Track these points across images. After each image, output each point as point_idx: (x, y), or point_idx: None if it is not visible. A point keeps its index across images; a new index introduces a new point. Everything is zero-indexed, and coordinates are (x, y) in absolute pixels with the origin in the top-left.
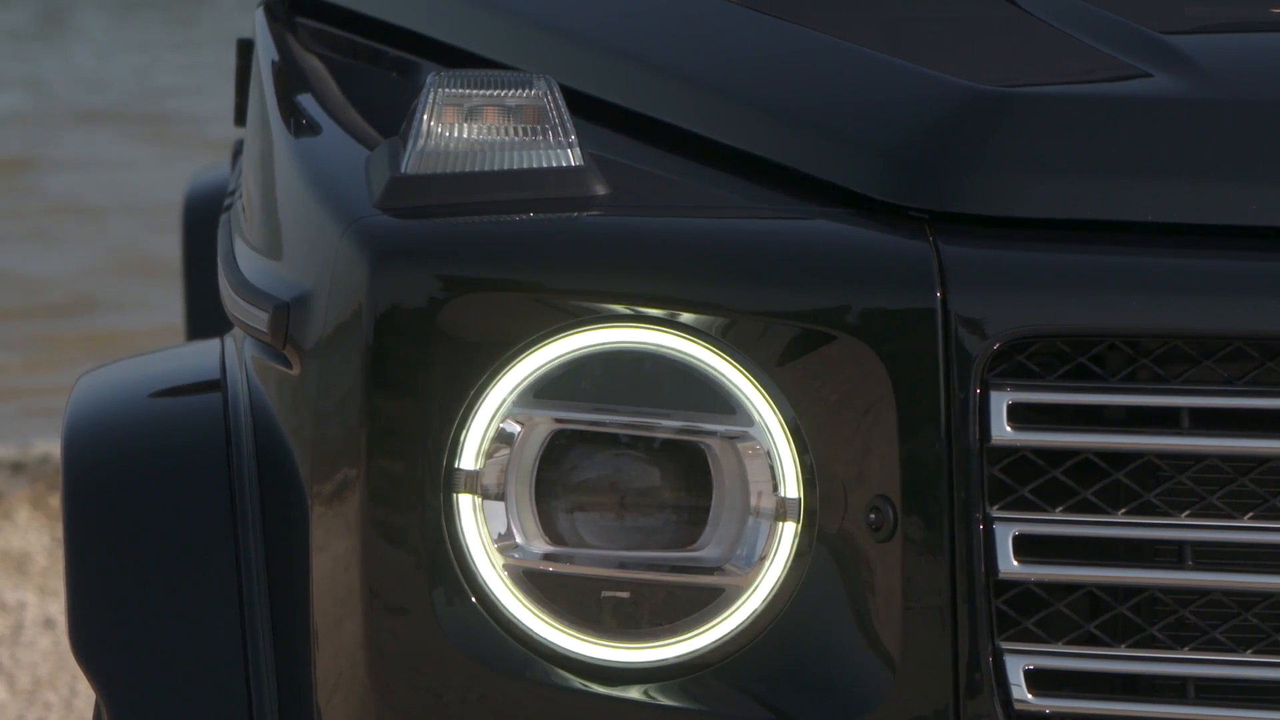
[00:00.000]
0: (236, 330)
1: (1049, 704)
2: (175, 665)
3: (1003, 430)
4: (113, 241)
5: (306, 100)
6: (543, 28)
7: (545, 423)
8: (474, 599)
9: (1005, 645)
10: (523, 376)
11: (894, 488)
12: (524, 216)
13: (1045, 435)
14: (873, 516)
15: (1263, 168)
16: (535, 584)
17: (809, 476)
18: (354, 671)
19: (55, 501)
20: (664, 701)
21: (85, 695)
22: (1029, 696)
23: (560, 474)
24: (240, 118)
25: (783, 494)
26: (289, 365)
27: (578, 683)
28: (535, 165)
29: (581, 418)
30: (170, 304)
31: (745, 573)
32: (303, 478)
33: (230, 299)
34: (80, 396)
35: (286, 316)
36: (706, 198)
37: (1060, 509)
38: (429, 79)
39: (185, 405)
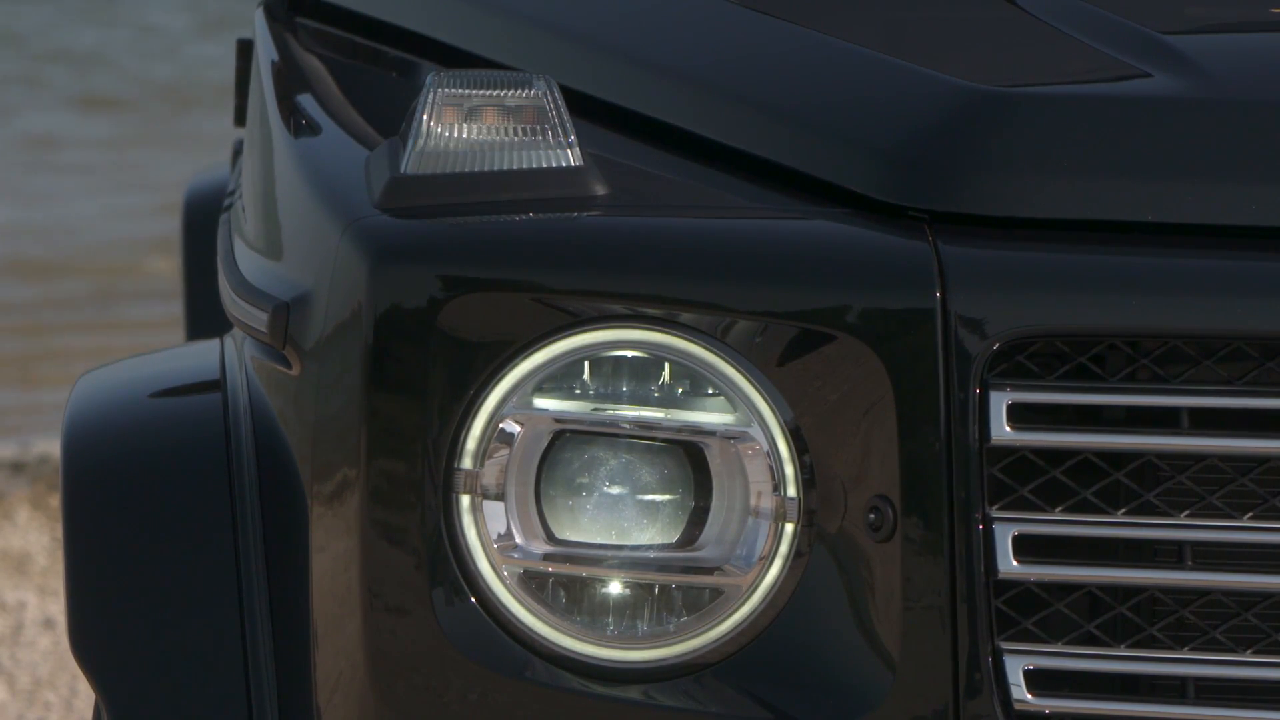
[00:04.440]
0: (236, 330)
1: (1049, 704)
2: (175, 665)
3: (1002, 430)
4: None
5: (306, 100)
6: (543, 28)
7: (545, 423)
8: (474, 599)
9: (1005, 645)
10: (523, 376)
11: (893, 488)
12: (524, 216)
13: (1045, 435)
14: (872, 516)
15: (1263, 168)
16: (535, 584)
17: (808, 476)
18: (354, 671)
19: (55, 501)
20: (664, 701)
21: (85, 695)
22: (1029, 696)
23: (560, 474)
24: (240, 118)
25: (782, 494)
26: (289, 365)
27: (578, 683)
28: (535, 165)
29: (581, 418)
30: None
31: (745, 573)
32: (303, 478)
33: (230, 299)
34: (80, 396)
35: (286, 317)
36: (706, 198)
37: (1060, 509)
38: (429, 79)
39: (185, 405)
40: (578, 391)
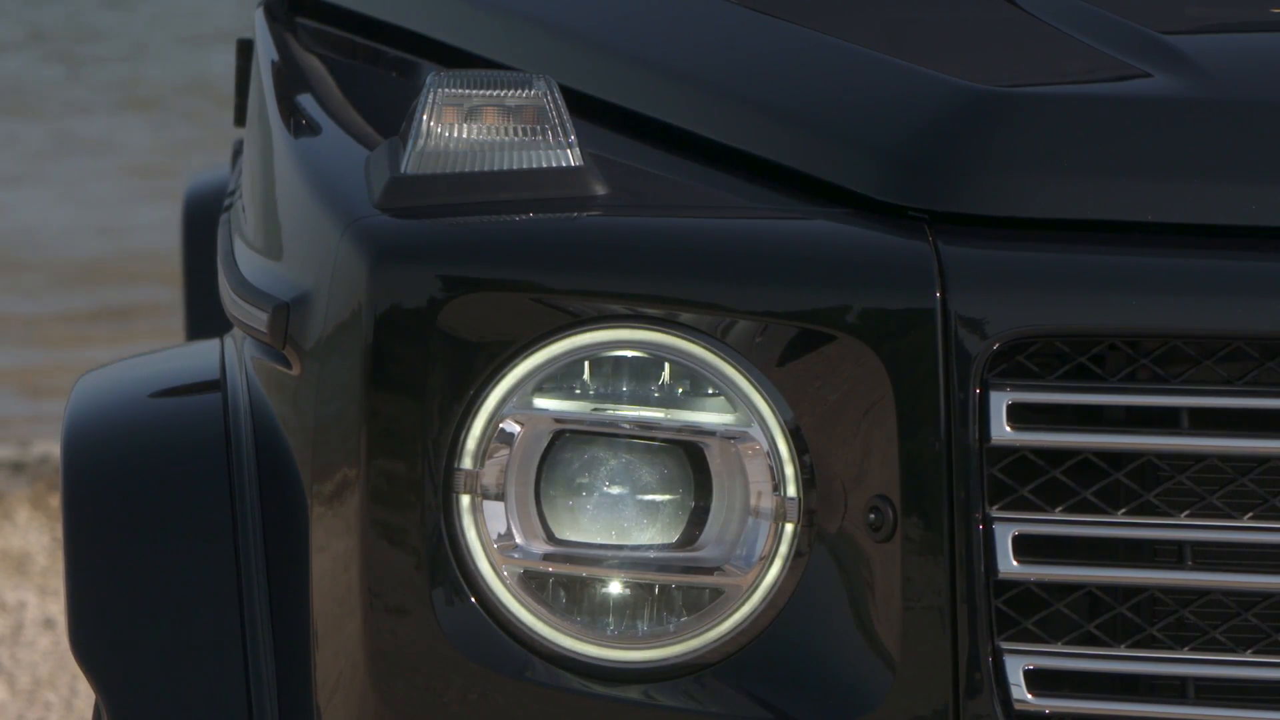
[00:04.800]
0: (236, 330)
1: (1049, 704)
2: (175, 665)
3: (1002, 430)
4: None
5: (306, 100)
6: (543, 28)
7: (545, 423)
8: (474, 599)
9: (1005, 645)
10: (523, 376)
11: (893, 488)
12: (524, 216)
13: (1045, 435)
14: (872, 516)
15: (1263, 168)
16: (535, 584)
17: (808, 476)
18: (354, 671)
19: (55, 501)
20: (664, 701)
21: (85, 695)
22: (1029, 696)
23: (560, 474)
24: (240, 118)
25: (782, 494)
26: (289, 365)
27: (578, 683)
28: (535, 165)
29: (581, 418)
30: None
31: (745, 573)
32: (303, 478)
33: (230, 299)
34: (80, 396)
35: (286, 317)
36: (706, 198)
37: (1060, 509)
38: (429, 79)
39: (185, 405)
40: (578, 391)
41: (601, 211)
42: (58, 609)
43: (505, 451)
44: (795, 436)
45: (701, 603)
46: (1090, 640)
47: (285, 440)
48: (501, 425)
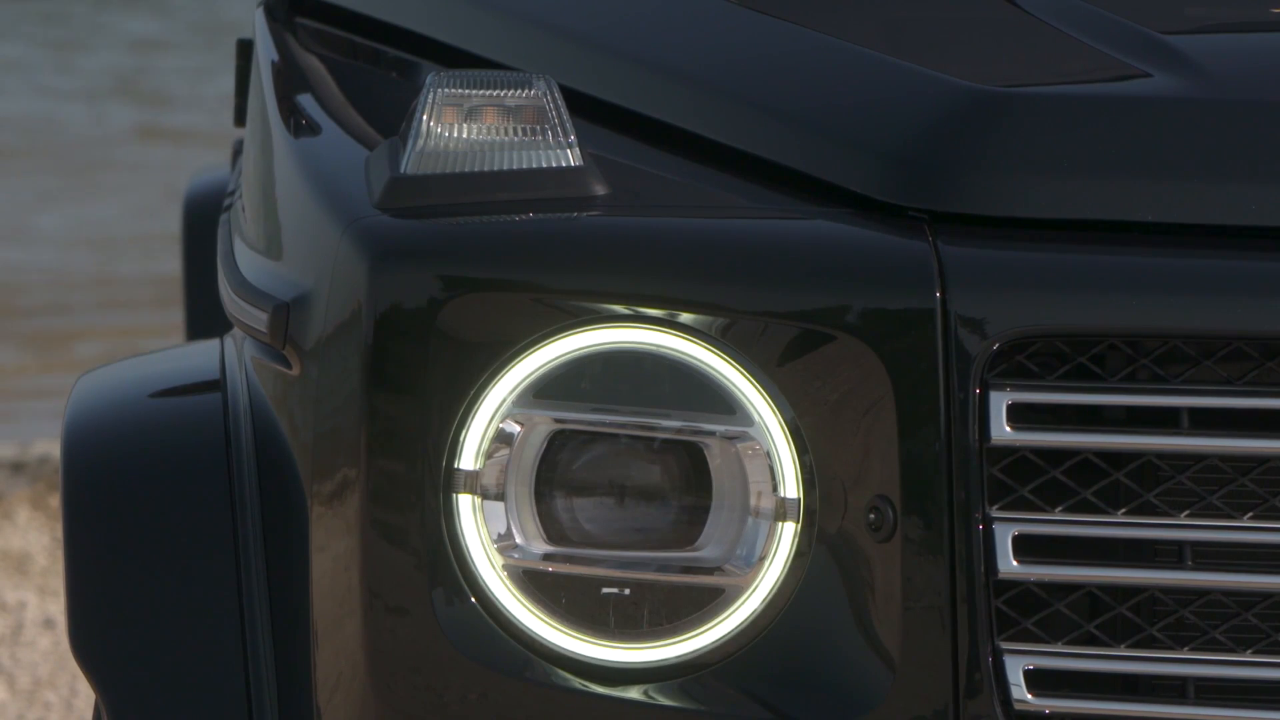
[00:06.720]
0: (236, 330)
1: (1049, 704)
2: (175, 665)
3: (1002, 430)
4: None
5: (306, 100)
6: (543, 28)
7: (545, 423)
8: (474, 599)
9: (1005, 645)
10: (523, 376)
11: (893, 488)
12: (524, 216)
13: (1045, 435)
14: (872, 516)
15: (1263, 168)
16: (535, 584)
17: (809, 476)
18: (354, 671)
19: (55, 501)
20: (664, 701)
21: (85, 695)
22: (1029, 696)
23: (560, 474)
24: (240, 118)
25: (782, 494)
26: (289, 365)
27: (577, 683)
28: (535, 165)
29: (581, 418)
30: None
31: (745, 573)
32: (303, 478)
33: (230, 299)
34: (80, 396)
35: (286, 317)
36: (706, 198)
37: (1060, 509)
38: (429, 79)
39: (185, 405)
40: (578, 391)
41: (601, 211)
42: (58, 609)
43: (505, 451)
44: (795, 436)
45: (701, 603)
46: (1090, 640)
47: (285, 440)
48: (501, 425)
